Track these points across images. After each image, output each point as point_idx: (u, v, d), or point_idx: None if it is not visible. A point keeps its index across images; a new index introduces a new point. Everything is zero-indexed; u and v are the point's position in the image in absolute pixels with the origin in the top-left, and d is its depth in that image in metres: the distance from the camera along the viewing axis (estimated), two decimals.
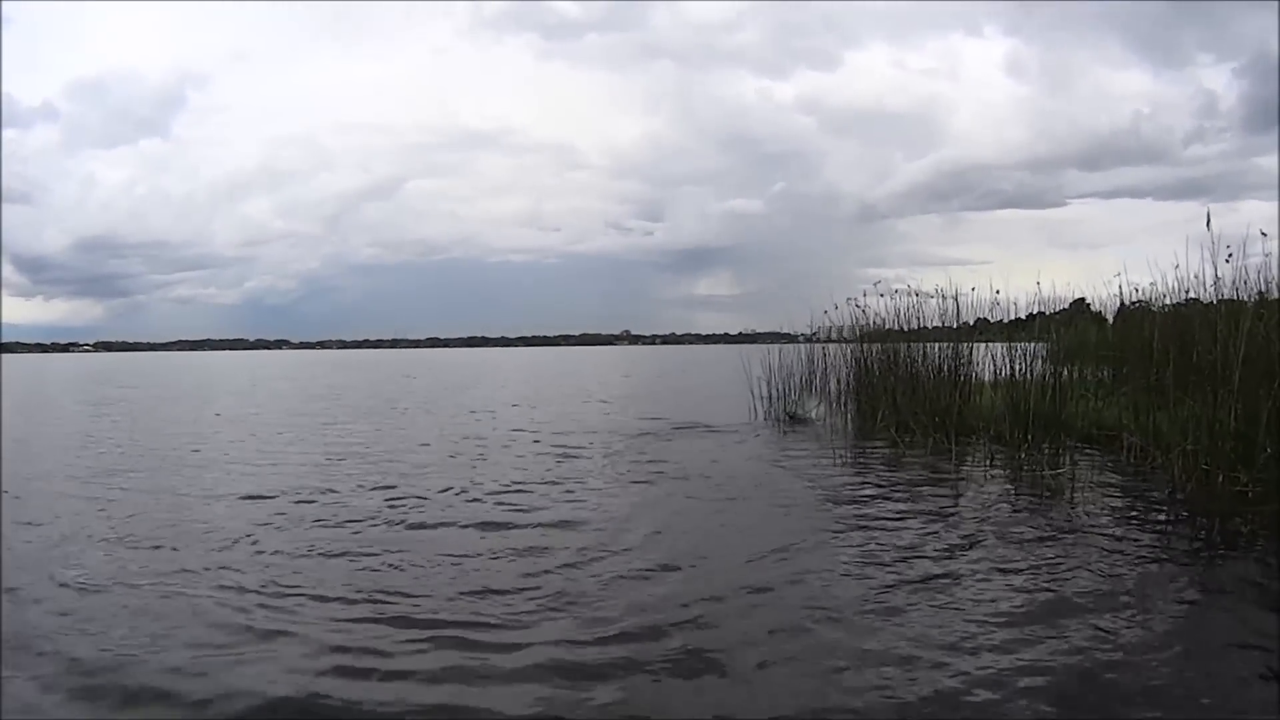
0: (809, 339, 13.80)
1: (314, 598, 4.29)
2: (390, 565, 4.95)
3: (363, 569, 4.87)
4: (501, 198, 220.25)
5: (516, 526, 5.85)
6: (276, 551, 5.23)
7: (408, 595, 4.39)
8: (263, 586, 4.48)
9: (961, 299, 10.58)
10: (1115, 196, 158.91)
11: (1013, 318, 9.97)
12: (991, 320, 10.23)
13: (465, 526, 5.94)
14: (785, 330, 15.50)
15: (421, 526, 5.98)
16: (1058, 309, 9.63)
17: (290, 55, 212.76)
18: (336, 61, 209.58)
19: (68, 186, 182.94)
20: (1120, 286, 8.82)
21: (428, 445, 10.63)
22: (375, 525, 6.01)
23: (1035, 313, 9.65)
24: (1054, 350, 8.96)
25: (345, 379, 31.51)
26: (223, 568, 4.86)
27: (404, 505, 6.68)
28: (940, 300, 10.95)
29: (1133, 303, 8.55)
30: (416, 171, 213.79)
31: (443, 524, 6.03)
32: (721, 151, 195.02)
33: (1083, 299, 9.89)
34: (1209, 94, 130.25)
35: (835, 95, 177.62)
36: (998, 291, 10.29)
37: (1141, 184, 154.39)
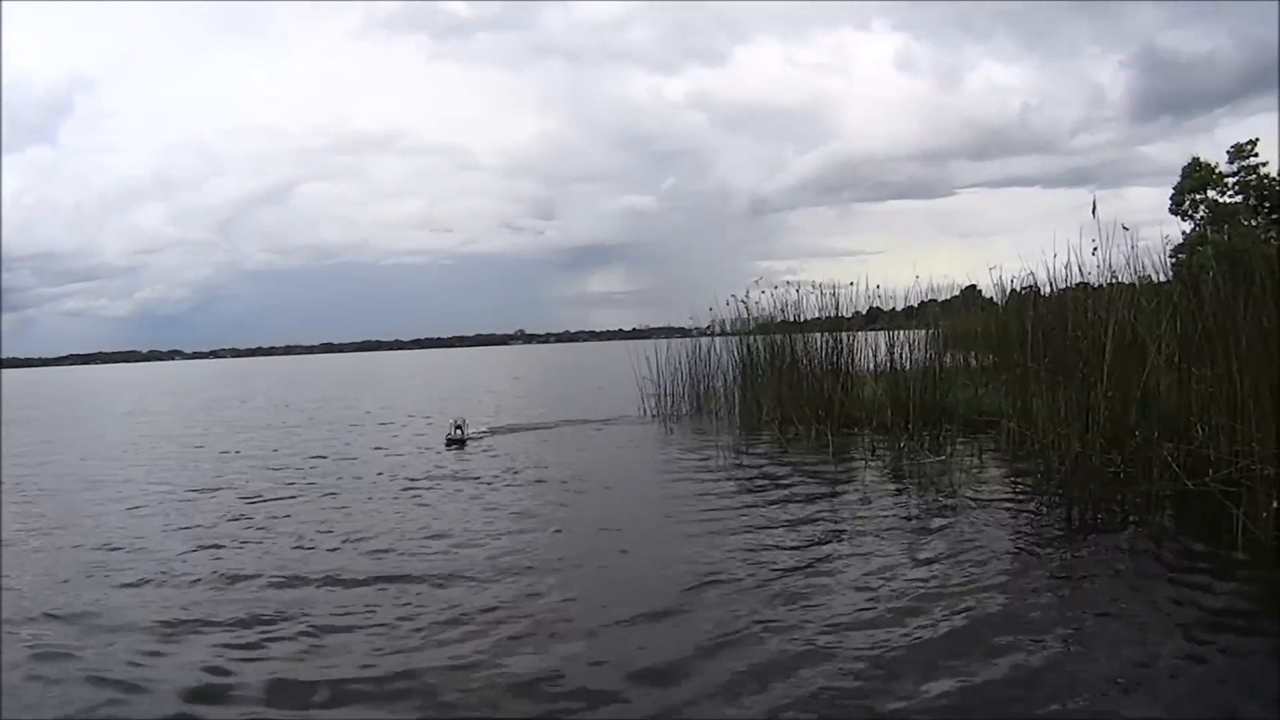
0: (700, 333, 13.55)
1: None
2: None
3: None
4: (394, 200, 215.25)
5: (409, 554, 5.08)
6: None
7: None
8: None
9: (841, 291, 10.51)
10: (1004, 186, 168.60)
11: (904, 306, 9.96)
12: (884, 310, 10.17)
13: (357, 545, 5.29)
14: (678, 325, 15.33)
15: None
16: (949, 296, 9.68)
17: (181, 59, 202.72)
18: (228, 64, 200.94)
19: None
20: (1001, 274, 8.88)
21: (322, 458, 9.63)
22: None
23: (927, 300, 9.67)
24: (936, 338, 8.95)
25: (232, 393, 28.66)
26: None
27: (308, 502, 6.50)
28: (822, 292, 10.89)
29: (1022, 289, 8.58)
30: (309, 175, 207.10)
31: (345, 541, 5.39)
32: (614, 149, 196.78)
33: (974, 286, 9.97)
34: (1096, 86, 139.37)
35: (726, 91, 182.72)
36: (877, 286, 10.30)
37: (1030, 173, 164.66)
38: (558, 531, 5.53)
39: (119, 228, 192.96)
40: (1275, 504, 4.41)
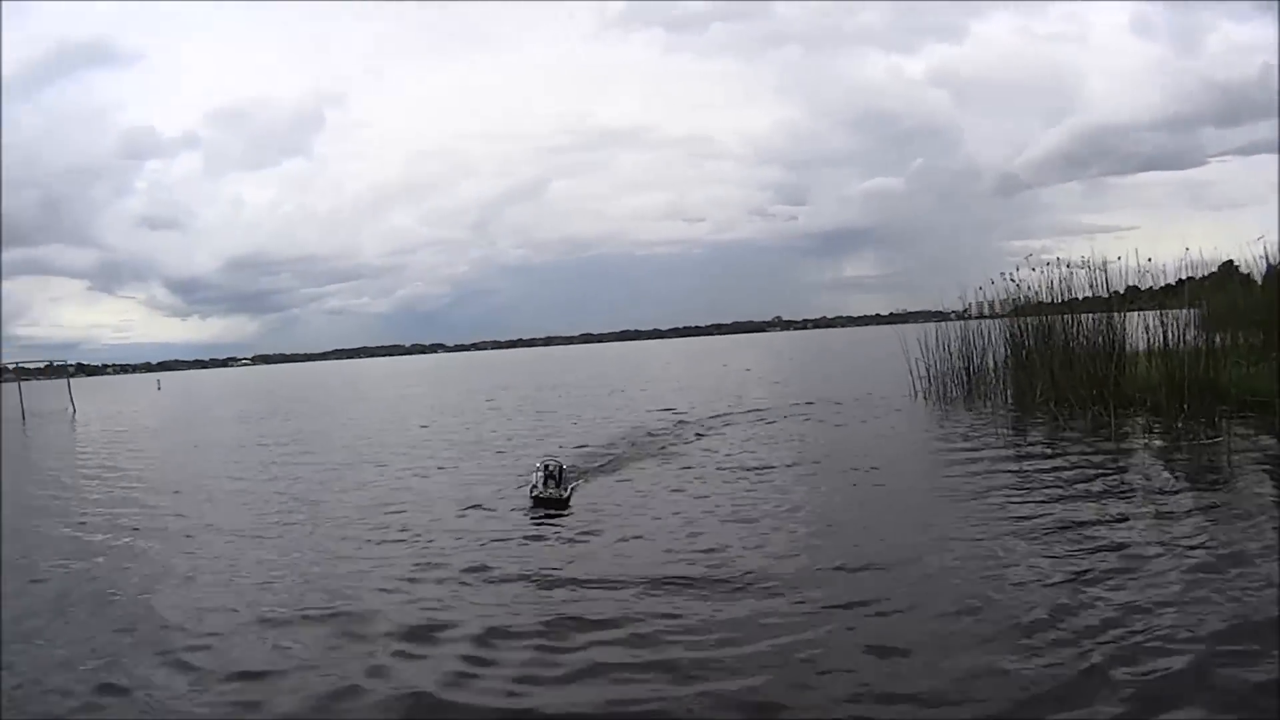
0: (959, 316, 14.06)
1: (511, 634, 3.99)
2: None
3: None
4: (643, 192, 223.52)
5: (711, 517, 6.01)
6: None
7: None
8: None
9: (1111, 267, 10.73)
10: (1253, 152, 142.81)
11: (1161, 284, 10.05)
12: (1141, 288, 10.34)
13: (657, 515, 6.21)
14: (936, 309, 15.69)
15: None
16: (1206, 273, 9.62)
17: (421, 69, 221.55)
18: (467, 71, 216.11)
19: (215, 210, 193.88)
20: (1265, 247, 8.76)
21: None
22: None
23: (1184, 278, 9.73)
24: (1205, 316, 9.06)
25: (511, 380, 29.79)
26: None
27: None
28: (1090, 270, 11.13)
29: None
30: (557, 172, 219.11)
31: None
32: (856, 131, 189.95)
33: (1230, 261, 9.80)
34: None
35: (965, 67, 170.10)
36: (1149, 259, 10.41)
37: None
38: (860, 525, 5.70)
39: (375, 230, 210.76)
40: None
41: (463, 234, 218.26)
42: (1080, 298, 11.18)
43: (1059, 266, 11.69)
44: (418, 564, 5.21)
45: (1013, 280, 12.43)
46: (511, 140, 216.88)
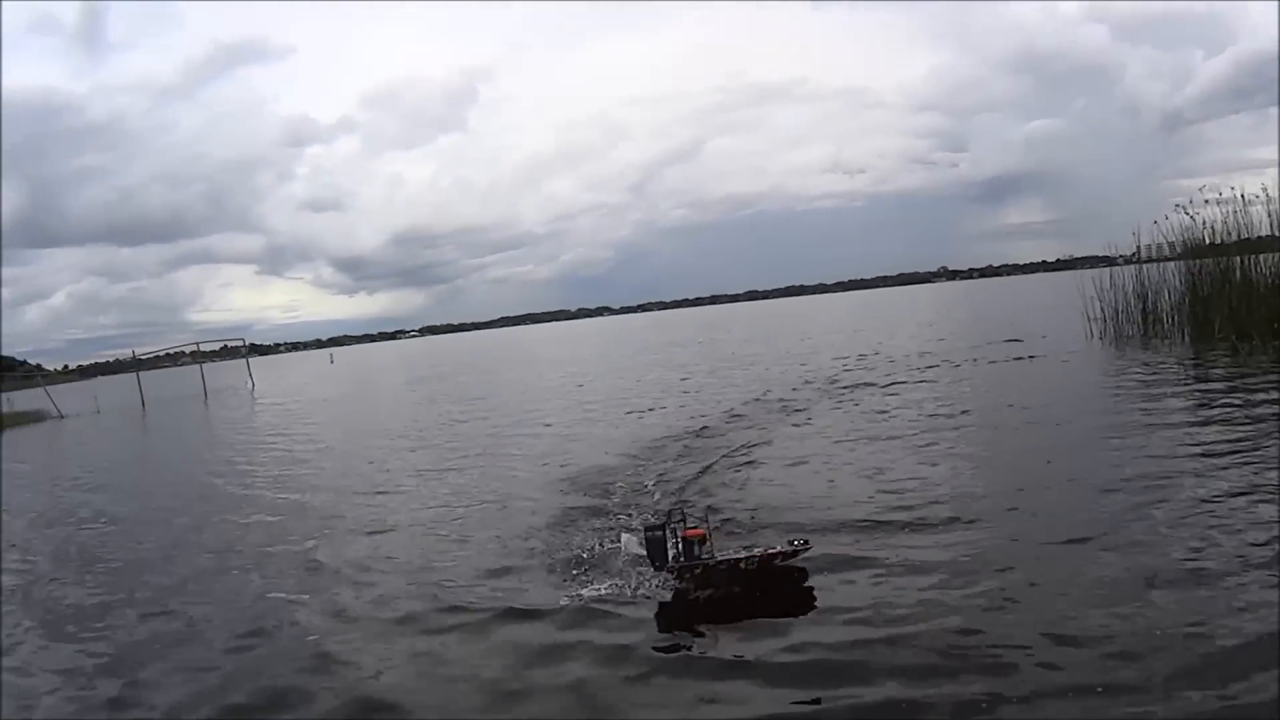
0: (1128, 260, 14.28)
1: None
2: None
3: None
4: (801, 147, 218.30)
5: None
6: None
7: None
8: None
9: None
10: None
11: None
12: None
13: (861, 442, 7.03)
14: (1105, 254, 16.02)
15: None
16: None
17: (567, 40, 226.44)
18: (613, 39, 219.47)
19: (375, 189, 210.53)
20: None
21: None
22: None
23: None
24: None
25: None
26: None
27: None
28: (1269, 203, 11.46)
29: None
30: (714, 131, 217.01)
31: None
32: (1014, 73, 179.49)
33: None
34: None
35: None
36: None
37: None
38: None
39: (535, 199, 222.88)
40: None
41: (622, 198, 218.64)
42: (1257, 236, 11.55)
43: (1235, 202, 11.97)
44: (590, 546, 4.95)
45: (1188, 214, 12.55)
46: (664, 103, 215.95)
